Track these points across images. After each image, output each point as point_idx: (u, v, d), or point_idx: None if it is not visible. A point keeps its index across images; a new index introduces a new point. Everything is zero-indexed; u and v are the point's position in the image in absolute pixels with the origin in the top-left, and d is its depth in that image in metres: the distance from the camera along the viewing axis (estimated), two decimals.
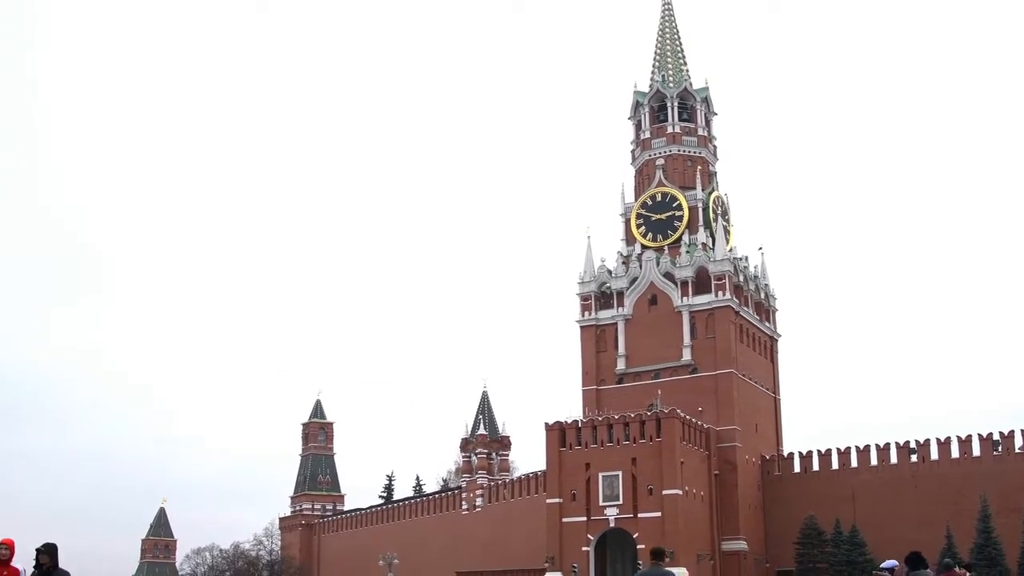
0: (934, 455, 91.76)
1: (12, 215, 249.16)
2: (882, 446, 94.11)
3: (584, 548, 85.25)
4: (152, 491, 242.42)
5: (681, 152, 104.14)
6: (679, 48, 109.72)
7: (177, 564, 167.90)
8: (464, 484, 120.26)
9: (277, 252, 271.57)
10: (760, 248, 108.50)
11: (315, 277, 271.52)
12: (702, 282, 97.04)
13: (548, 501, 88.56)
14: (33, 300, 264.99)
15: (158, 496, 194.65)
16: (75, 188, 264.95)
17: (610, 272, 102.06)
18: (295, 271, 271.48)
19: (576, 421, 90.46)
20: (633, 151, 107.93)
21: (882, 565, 19.09)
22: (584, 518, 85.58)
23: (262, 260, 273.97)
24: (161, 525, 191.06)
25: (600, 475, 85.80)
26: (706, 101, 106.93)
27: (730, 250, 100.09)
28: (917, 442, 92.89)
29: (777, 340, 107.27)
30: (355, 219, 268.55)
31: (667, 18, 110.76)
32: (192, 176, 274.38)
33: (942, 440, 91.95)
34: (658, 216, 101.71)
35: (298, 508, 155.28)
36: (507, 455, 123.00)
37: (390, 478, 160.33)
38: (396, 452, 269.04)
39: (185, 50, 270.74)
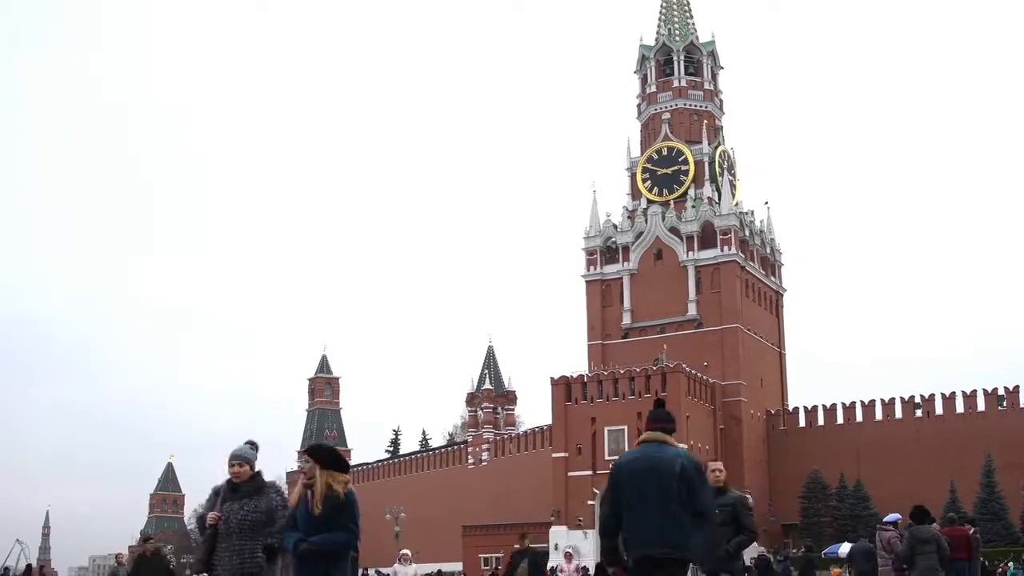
0: (939, 410, 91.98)
1: None
2: (887, 401, 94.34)
3: (590, 502, 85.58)
4: (159, 446, 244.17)
5: (687, 106, 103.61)
6: (685, 1, 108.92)
7: (185, 519, 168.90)
8: (470, 439, 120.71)
9: (284, 208, 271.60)
10: (766, 202, 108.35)
11: (322, 233, 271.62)
12: (708, 237, 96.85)
13: (554, 455, 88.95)
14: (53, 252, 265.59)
15: (165, 451, 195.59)
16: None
17: (615, 227, 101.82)
18: (302, 227, 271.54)
19: (582, 375, 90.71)
20: (639, 105, 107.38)
21: (885, 519, 19.08)
22: (590, 472, 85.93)
23: (268, 215, 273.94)
24: (169, 480, 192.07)
25: (606, 429, 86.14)
26: (712, 55, 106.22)
27: (736, 204, 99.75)
28: (922, 397, 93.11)
29: (783, 295, 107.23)
30: (361, 174, 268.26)
31: None
32: (205, 136, 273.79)
33: (947, 395, 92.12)
34: (664, 170, 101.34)
35: (305, 462, 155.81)
36: (513, 410, 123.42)
37: (396, 433, 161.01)
38: (402, 407, 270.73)
39: (193, 32, 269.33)
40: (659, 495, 7.77)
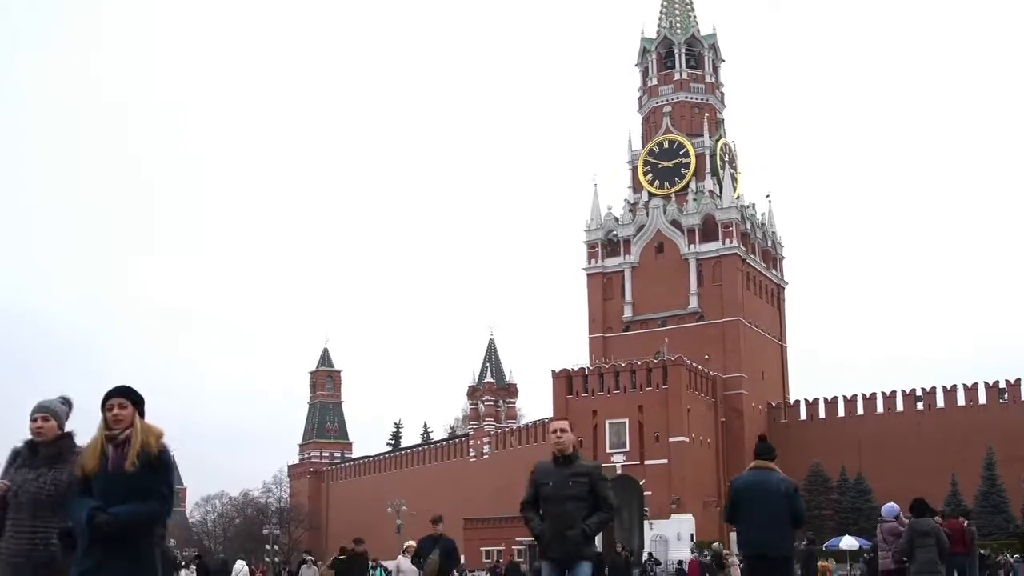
0: (940, 403, 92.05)
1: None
2: (888, 394, 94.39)
3: None
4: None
5: (688, 99, 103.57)
6: None
7: (187, 511, 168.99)
8: (471, 431, 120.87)
9: (284, 202, 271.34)
10: (767, 195, 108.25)
11: (323, 227, 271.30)
12: (709, 230, 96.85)
13: None
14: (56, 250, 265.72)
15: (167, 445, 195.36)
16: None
17: (617, 220, 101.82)
18: (303, 221, 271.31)
19: (583, 368, 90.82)
20: (640, 98, 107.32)
21: (883, 510, 19.08)
22: None
23: (269, 209, 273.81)
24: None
25: (607, 422, 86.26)
26: (714, 48, 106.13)
27: (737, 198, 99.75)
28: (923, 390, 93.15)
29: (784, 288, 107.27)
30: (362, 168, 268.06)
31: None
32: (205, 134, 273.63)
33: (948, 388, 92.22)
34: (665, 163, 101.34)
35: (306, 456, 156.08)
36: (514, 403, 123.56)
37: (398, 426, 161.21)
38: (403, 400, 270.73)
39: (193, 32, 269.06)
40: (767, 509, 10.21)
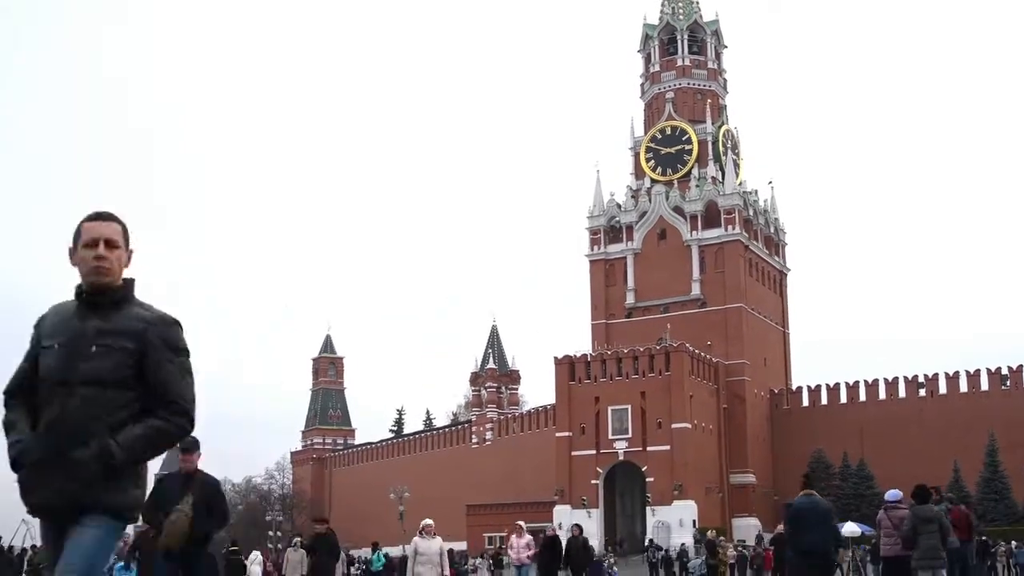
0: (942, 389, 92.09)
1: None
2: (890, 380, 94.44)
3: (593, 481, 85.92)
4: None
5: (691, 85, 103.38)
6: None
7: None
8: (474, 418, 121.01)
9: (287, 188, 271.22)
10: (770, 182, 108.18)
11: (325, 213, 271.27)
12: (711, 216, 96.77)
13: (558, 435, 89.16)
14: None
15: None
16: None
17: (619, 206, 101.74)
18: (305, 206, 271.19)
19: (585, 355, 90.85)
20: (642, 85, 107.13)
21: (887, 496, 19.05)
22: (593, 451, 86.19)
23: (270, 195, 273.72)
24: (174, 460, 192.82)
25: (609, 409, 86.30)
26: (716, 34, 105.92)
27: (740, 184, 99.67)
28: (925, 376, 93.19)
29: (786, 274, 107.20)
30: (365, 156, 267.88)
31: None
32: (207, 118, 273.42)
33: (950, 375, 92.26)
34: (667, 150, 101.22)
35: (309, 442, 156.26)
36: (516, 389, 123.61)
37: (400, 412, 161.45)
38: (406, 386, 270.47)
39: (194, 26, 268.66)
40: (818, 521, 14.71)
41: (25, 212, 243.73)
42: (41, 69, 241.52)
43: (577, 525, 27.34)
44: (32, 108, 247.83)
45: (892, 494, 18.81)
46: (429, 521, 19.64)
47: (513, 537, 25.38)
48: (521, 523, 25.82)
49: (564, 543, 25.77)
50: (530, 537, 25.36)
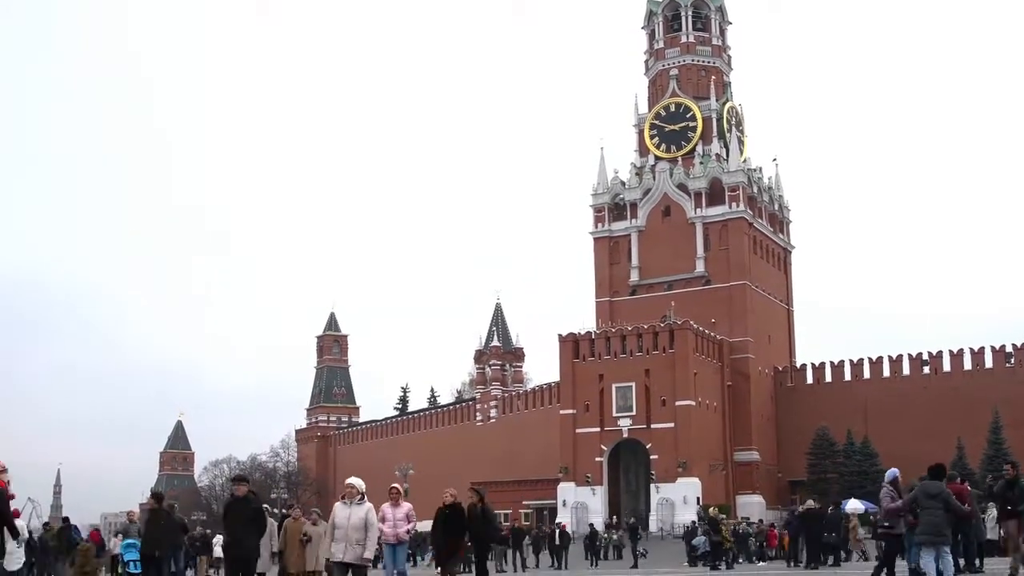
0: (946, 367, 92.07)
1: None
2: (894, 358, 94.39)
3: (598, 459, 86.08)
4: (169, 405, 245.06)
5: (695, 62, 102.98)
6: None
7: (195, 476, 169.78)
8: (478, 396, 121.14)
9: (292, 166, 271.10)
10: (774, 159, 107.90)
11: (330, 191, 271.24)
12: (716, 193, 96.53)
13: (562, 412, 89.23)
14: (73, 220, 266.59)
15: (175, 410, 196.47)
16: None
17: (623, 183, 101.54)
18: (310, 184, 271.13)
19: (589, 333, 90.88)
20: (646, 61, 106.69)
21: (886, 475, 19.13)
22: (598, 429, 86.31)
23: (275, 174, 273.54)
24: (179, 438, 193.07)
25: (613, 386, 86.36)
26: (720, 10, 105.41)
27: (744, 161, 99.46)
28: (930, 354, 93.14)
29: (791, 251, 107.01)
30: (369, 133, 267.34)
31: None
32: (217, 100, 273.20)
33: (954, 352, 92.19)
34: (671, 127, 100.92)
35: (314, 420, 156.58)
36: (521, 367, 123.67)
37: (404, 390, 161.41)
38: (410, 364, 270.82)
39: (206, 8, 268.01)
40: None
41: (53, 208, 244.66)
42: (64, 72, 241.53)
43: (475, 490, 19.17)
44: (58, 110, 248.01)
45: (891, 473, 18.88)
46: (353, 480, 15.76)
47: (386, 507, 17.49)
48: (397, 486, 18.24)
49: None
50: (409, 506, 17.72)
